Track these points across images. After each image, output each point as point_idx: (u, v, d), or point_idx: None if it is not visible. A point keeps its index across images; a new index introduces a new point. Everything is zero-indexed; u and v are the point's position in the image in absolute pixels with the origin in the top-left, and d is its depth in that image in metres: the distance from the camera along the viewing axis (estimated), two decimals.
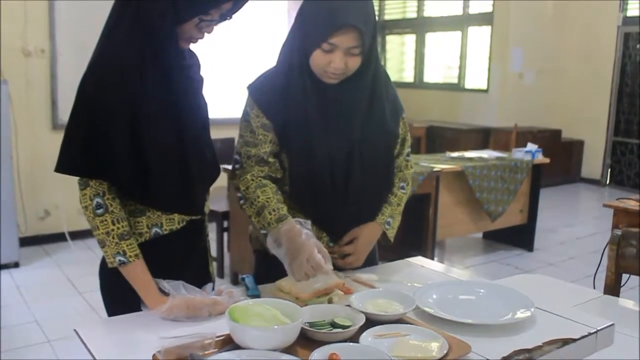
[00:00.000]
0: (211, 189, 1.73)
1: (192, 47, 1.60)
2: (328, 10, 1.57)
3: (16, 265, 4.57)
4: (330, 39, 1.57)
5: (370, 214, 1.83)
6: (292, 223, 1.61)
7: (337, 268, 1.78)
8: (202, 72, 1.67)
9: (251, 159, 1.72)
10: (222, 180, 1.86)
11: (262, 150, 1.71)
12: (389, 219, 1.85)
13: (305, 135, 1.69)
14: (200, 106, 1.62)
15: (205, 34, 1.53)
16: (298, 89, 1.67)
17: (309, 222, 1.65)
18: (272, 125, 1.71)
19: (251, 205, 1.69)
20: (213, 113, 1.72)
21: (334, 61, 1.60)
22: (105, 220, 1.45)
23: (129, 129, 1.44)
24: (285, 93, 1.68)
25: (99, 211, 1.45)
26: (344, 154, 1.70)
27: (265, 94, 1.72)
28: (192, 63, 1.61)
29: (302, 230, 1.58)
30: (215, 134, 1.78)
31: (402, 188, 1.91)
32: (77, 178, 1.47)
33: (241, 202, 1.74)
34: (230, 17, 1.55)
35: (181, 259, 1.62)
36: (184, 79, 1.53)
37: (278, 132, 1.71)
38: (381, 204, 1.85)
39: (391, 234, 1.87)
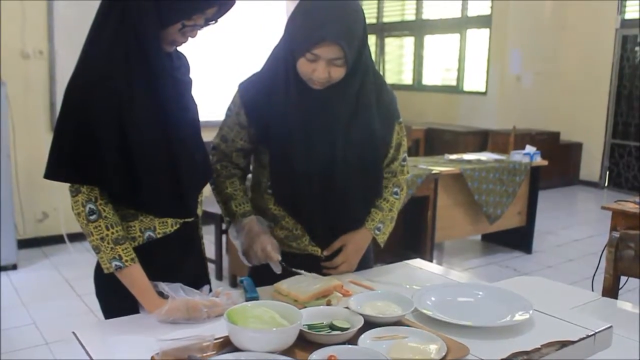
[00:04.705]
0: (209, 191, 1.73)
1: (183, 49, 1.60)
2: (311, 23, 1.59)
3: (14, 267, 4.56)
4: (312, 50, 1.59)
5: (356, 218, 1.84)
6: (253, 219, 1.78)
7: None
8: (195, 74, 1.66)
9: (220, 153, 1.85)
10: None
11: (230, 149, 1.82)
12: (379, 225, 1.86)
13: (285, 137, 1.71)
14: (189, 108, 1.61)
15: (189, 38, 1.52)
16: (282, 92, 1.69)
17: (272, 225, 1.81)
18: (249, 125, 1.76)
19: (219, 193, 1.85)
20: (206, 115, 1.73)
21: (317, 70, 1.62)
22: (99, 226, 1.45)
23: (117, 133, 1.43)
24: (270, 95, 1.71)
25: (92, 217, 1.45)
26: (325, 158, 1.72)
27: (252, 93, 1.75)
28: (180, 65, 1.61)
29: (258, 226, 1.76)
30: (208, 135, 1.78)
31: (396, 194, 1.91)
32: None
33: (212, 186, 1.87)
34: (215, 22, 1.55)
35: (176, 262, 1.62)
36: (170, 81, 1.53)
37: (258, 132, 1.76)
38: (368, 210, 1.86)
39: (381, 239, 1.88)
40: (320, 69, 1.61)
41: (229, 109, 1.81)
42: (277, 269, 1.71)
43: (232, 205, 1.81)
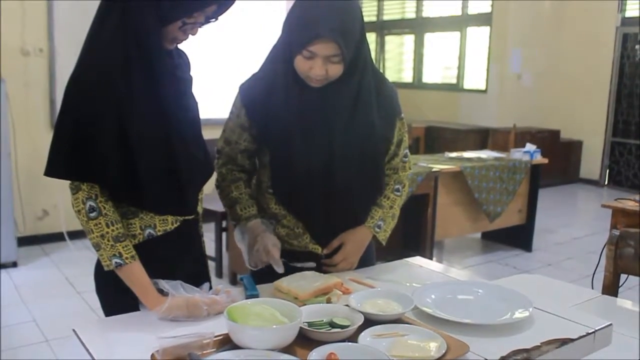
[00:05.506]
0: (209, 189, 1.72)
1: (183, 46, 1.60)
2: (307, 20, 1.59)
3: (14, 265, 4.57)
4: (308, 47, 1.59)
5: (357, 216, 1.84)
6: (257, 221, 1.78)
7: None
8: (195, 72, 1.66)
9: (225, 156, 1.84)
10: None
11: (234, 151, 1.81)
12: (380, 222, 1.86)
13: (285, 135, 1.71)
14: (189, 106, 1.61)
15: (190, 36, 1.52)
16: (281, 91, 1.69)
17: (274, 222, 1.81)
18: (250, 126, 1.76)
19: (224, 197, 1.85)
20: (208, 113, 1.72)
21: (314, 68, 1.62)
22: (99, 223, 1.45)
23: (117, 131, 1.43)
24: (269, 94, 1.71)
25: (93, 214, 1.45)
26: (325, 155, 1.71)
27: (252, 93, 1.75)
28: (180, 62, 1.61)
29: (262, 227, 1.76)
30: (209, 133, 1.78)
31: (397, 191, 1.91)
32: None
33: (218, 190, 1.87)
34: (216, 19, 1.55)
35: (176, 260, 1.62)
36: (171, 79, 1.53)
37: (259, 132, 1.75)
38: (369, 207, 1.86)
39: (382, 237, 1.88)
40: (317, 66, 1.61)
41: (231, 111, 1.81)
42: (279, 268, 1.70)
43: (237, 209, 1.80)
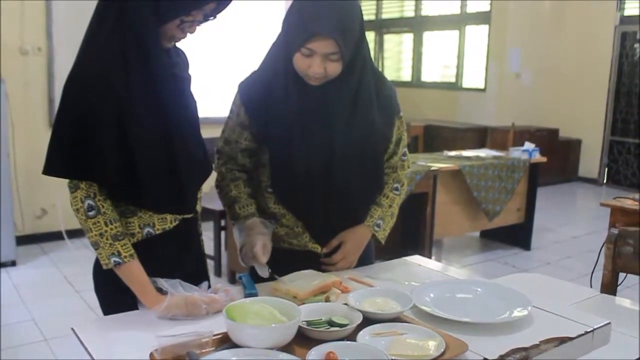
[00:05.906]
0: (208, 188, 1.72)
1: (182, 45, 1.59)
2: (306, 17, 1.59)
3: (13, 263, 4.56)
4: (307, 45, 1.58)
5: (356, 215, 1.84)
6: (255, 220, 1.74)
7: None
8: (194, 70, 1.66)
9: (225, 155, 1.83)
10: None
11: (235, 150, 1.80)
12: (379, 221, 1.86)
13: (285, 134, 1.71)
14: (188, 104, 1.61)
15: (188, 34, 1.52)
16: (281, 89, 1.69)
17: (273, 221, 1.78)
18: (250, 124, 1.75)
19: (224, 196, 1.83)
20: (207, 111, 1.72)
21: (312, 65, 1.61)
22: (98, 222, 1.45)
23: (115, 130, 1.43)
24: (269, 92, 1.71)
25: (91, 213, 1.45)
26: (324, 154, 1.71)
27: (252, 92, 1.75)
28: (179, 61, 1.60)
29: (259, 227, 1.72)
30: (208, 132, 1.77)
31: (396, 189, 1.91)
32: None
33: (217, 190, 1.87)
34: (214, 18, 1.55)
35: (175, 258, 1.62)
36: (169, 78, 1.52)
37: (259, 131, 1.75)
38: (369, 206, 1.86)
39: (381, 235, 1.88)
40: (316, 64, 1.61)
41: (231, 110, 1.80)
42: (263, 273, 1.67)
43: (236, 208, 1.79)
